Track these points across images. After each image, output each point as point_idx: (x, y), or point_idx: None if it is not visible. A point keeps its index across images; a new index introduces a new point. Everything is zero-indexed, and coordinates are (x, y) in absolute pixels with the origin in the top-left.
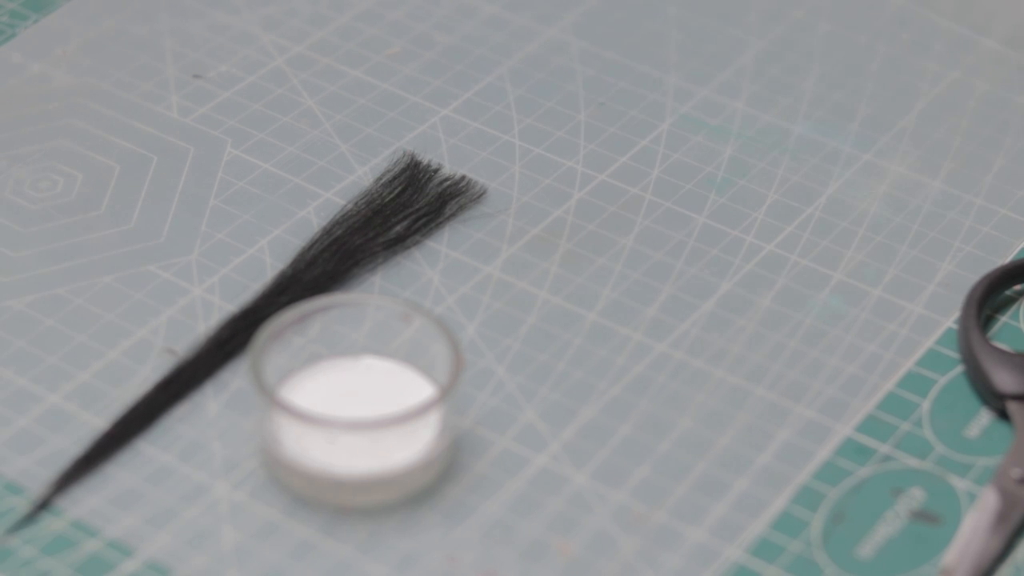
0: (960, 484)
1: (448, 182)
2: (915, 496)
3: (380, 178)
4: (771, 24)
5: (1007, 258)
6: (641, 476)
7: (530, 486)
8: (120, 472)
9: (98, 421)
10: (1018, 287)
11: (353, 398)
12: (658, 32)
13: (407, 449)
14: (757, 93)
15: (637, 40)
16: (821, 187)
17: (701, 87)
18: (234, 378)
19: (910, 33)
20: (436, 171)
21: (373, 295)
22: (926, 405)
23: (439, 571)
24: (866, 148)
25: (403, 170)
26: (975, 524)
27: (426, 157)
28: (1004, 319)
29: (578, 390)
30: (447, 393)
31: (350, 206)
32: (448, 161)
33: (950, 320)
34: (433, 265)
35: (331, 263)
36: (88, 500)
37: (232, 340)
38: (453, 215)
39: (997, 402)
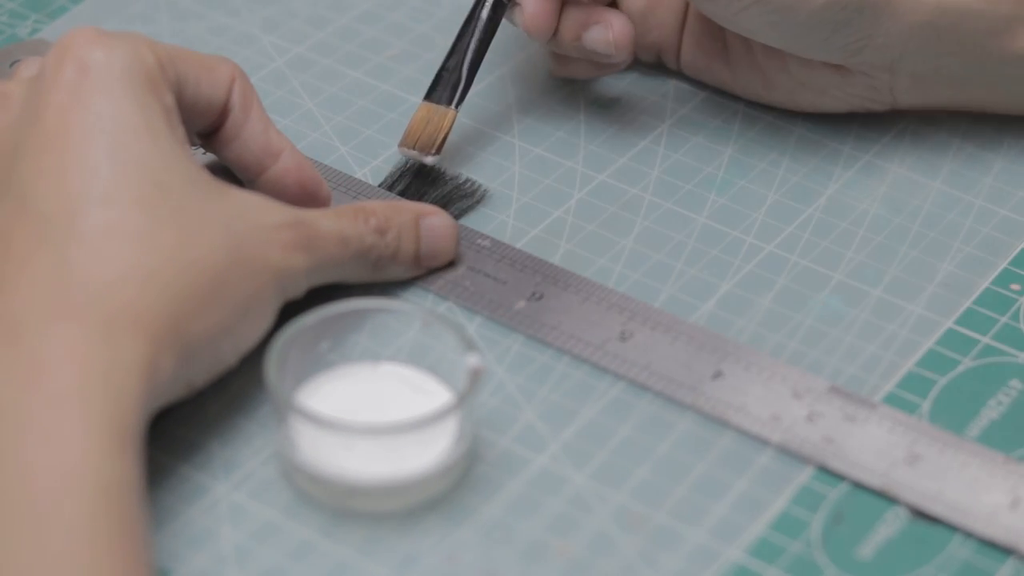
0: None
1: (450, 183)
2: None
3: (382, 181)
4: None
5: (1007, 258)
6: (641, 476)
7: (530, 487)
8: None
9: None
10: (1017, 287)
11: (369, 404)
12: None
13: (426, 455)
14: None
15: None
16: (821, 187)
17: (701, 87)
18: (234, 378)
19: None
20: (438, 173)
21: (389, 300)
22: (926, 406)
23: (439, 572)
24: (866, 148)
25: (404, 172)
26: None
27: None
28: (1004, 319)
29: (578, 390)
30: (464, 399)
31: None
32: (448, 162)
33: (950, 320)
34: None
35: None
36: None
37: None
38: (455, 217)
39: None
